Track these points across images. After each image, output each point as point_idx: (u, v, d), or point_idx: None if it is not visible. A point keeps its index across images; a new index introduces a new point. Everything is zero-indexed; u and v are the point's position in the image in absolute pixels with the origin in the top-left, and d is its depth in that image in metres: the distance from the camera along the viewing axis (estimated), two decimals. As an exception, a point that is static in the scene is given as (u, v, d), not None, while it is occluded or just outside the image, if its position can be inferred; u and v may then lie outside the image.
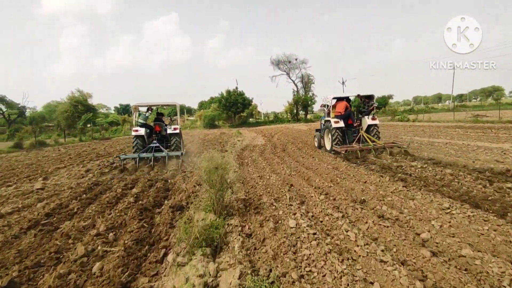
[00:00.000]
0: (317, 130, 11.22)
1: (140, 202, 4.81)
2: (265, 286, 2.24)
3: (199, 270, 2.50)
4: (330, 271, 2.43)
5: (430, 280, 2.27)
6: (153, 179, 6.68)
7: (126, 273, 2.57)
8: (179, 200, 4.80)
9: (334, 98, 9.84)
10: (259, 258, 2.78)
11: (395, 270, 2.36)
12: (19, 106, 35.95)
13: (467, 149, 8.31)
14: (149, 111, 9.67)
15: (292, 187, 5.28)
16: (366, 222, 3.38)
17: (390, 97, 54.02)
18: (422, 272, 2.39)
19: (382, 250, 2.70)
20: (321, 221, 3.57)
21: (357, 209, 3.84)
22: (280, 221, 3.62)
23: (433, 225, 3.24)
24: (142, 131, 9.00)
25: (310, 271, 2.48)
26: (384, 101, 46.98)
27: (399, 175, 5.62)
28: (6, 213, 4.52)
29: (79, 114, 29.90)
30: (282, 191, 4.98)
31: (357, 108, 10.34)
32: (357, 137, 8.92)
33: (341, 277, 2.33)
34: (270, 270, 2.50)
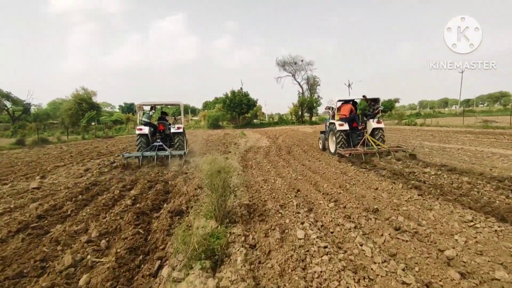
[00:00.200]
0: (321, 132, 11.14)
1: (137, 205, 4.55)
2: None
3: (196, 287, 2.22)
4: (345, 293, 2.14)
5: (462, 308, 1.96)
6: (153, 180, 6.43)
7: (116, 288, 2.30)
8: (178, 204, 4.53)
9: (339, 100, 9.76)
10: (264, 274, 2.49)
11: (421, 295, 2.06)
12: (24, 103, 36.11)
13: (482, 156, 7.93)
14: (153, 110, 9.73)
15: (299, 193, 4.98)
16: (382, 235, 3.07)
17: (396, 100, 53.49)
18: (452, 298, 2.08)
19: (403, 269, 2.40)
20: (332, 232, 3.27)
21: (370, 219, 3.53)
22: (287, 231, 3.32)
23: (456, 240, 2.92)
24: (146, 129, 9.01)
25: (323, 292, 2.18)
26: (390, 105, 46.50)
27: (413, 182, 5.29)
28: (-3, 214, 4.29)
29: (83, 112, 29.90)
30: (289, 197, 4.68)
31: (362, 111, 10.25)
32: (362, 140, 8.85)
33: (358, 302, 2.03)
34: (277, 290, 2.21)
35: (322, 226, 3.47)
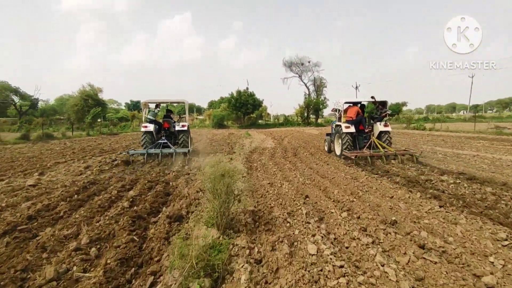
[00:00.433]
0: (327, 134, 11.02)
1: (135, 208, 4.25)
2: None
3: (193, 313, 1.90)
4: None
5: None
6: (154, 180, 6.14)
7: (101, 309, 1.99)
8: (178, 208, 4.22)
9: (346, 102, 9.65)
10: (272, 297, 2.16)
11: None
12: (32, 98, 36.38)
13: (501, 164, 7.46)
14: (158, 108, 9.92)
15: (308, 199, 4.63)
16: (405, 253, 2.71)
17: (403, 104, 52.64)
18: None
19: (435, 299, 2.04)
20: (347, 248, 2.92)
21: (389, 233, 3.16)
22: (296, 244, 2.98)
23: (492, 263, 2.55)
24: (151, 127, 9.10)
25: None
26: (397, 108, 45.71)
27: (431, 191, 4.90)
28: (-14, 213, 4.04)
29: (89, 108, 29.92)
30: (297, 204, 4.34)
31: (369, 114, 10.04)
32: (368, 143, 8.74)
33: None
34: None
35: (335, 239, 3.12)
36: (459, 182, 5.43)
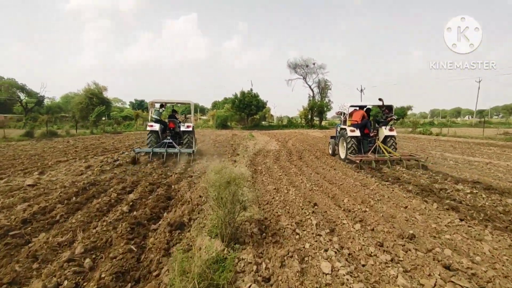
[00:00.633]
0: (332, 137, 10.98)
1: (134, 213, 4.04)
2: None
3: None
4: None
5: None
6: (156, 182, 5.94)
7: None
8: (180, 214, 3.99)
9: (351, 106, 9.58)
10: (283, 325, 1.92)
11: None
12: (38, 95, 36.58)
13: (517, 173, 7.14)
14: (163, 108, 10.02)
15: (316, 208, 4.38)
16: (430, 275, 2.45)
17: (409, 108, 52.10)
18: None
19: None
20: (364, 266, 2.66)
21: (409, 250, 2.90)
22: (307, 259, 2.74)
23: (529, 289, 2.28)
24: (156, 126, 9.19)
25: None
26: (402, 112, 45.16)
27: (447, 201, 4.61)
28: (-21, 215, 3.85)
29: (94, 106, 29.91)
30: (305, 212, 4.09)
31: (374, 118, 9.98)
32: (373, 147, 8.65)
33: None
34: None
35: (350, 255, 2.86)
36: (476, 192, 5.13)
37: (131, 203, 4.41)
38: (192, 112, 10.39)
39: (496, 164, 8.41)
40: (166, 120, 10.00)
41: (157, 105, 9.89)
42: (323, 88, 43.81)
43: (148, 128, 9.22)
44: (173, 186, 5.73)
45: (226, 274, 2.25)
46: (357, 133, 8.58)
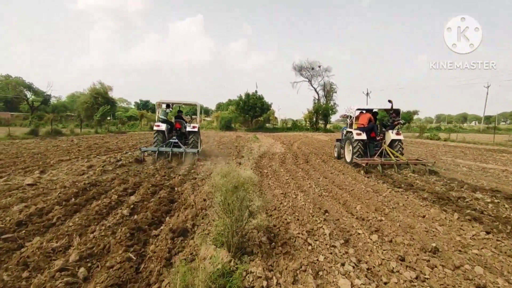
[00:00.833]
0: (337, 140, 10.91)
1: (135, 216, 3.82)
2: None
3: None
4: None
5: None
6: (158, 184, 5.72)
7: None
8: (183, 219, 3.76)
9: (358, 109, 9.49)
10: None
11: None
12: (44, 94, 36.83)
13: (537, 181, 6.78)
14: (170, 108, 10.22)
15: (328, 215, 4.11)
16: (462, 297, 2.17)
17: (415, 112, 51.51)
18: None
19: None
20: (386, 283, 2.39)
21: (435, 266, 2.62)
22: (322, 275, 2.48)
23: None
24: (163, 126, 9.36)
25: None
26: (408, 117, 44.63)
27: (468, 211, 4.31)
28: (-27, 216, 3.67)
29: (99, 106, 29.96)
30: (316, 220, 3.83)
31: (381, 122, 9.77)
32: (379, 151, 8.56)
33: None
34: None
35: (369, 270, 2.60)
36: (498, 202, 4.82)
37: (132, 206, 4.19)
38: (198, 113, 10.48)
39: (513, 172, 8.05)
40: (173, 121, 10.12)
41: (164, 106, 10.02)
42: (329, 91, 43.48)
43: (155, 128, 9.38)
44: (176, 189, 5.51)
45: (234, 292, 2.00)
46: (364, 136, 8.46)
